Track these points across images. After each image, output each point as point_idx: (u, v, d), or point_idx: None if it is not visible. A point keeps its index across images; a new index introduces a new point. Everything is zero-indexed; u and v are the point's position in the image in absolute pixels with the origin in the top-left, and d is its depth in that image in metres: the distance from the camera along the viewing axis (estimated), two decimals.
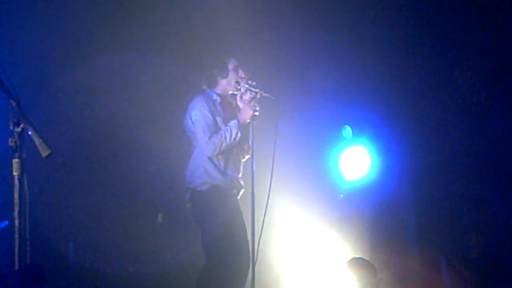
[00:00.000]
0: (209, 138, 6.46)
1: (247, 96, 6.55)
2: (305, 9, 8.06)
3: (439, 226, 8.13)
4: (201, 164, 6.59)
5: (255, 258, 6.37)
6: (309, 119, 8.37)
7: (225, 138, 6.44)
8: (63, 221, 7.80)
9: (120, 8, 7.86)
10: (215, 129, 6.51)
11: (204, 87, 6.80)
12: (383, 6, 8.04)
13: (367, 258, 7.48)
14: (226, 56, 6.77)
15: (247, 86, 6.54)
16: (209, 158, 6.53)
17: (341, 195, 8.60)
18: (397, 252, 8.28)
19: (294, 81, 8.27)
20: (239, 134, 6.47)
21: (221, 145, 6.45)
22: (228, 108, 6.75)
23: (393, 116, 8.30)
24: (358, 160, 8.39)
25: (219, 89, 6.75)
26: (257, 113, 6.51)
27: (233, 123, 6.51)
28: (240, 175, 6.74)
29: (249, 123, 6.53)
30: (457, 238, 8.05)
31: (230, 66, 6.67)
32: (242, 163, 6.77)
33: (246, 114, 6.50)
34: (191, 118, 6.61)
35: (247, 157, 6.76)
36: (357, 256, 7.26)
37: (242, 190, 6.74)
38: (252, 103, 6.51)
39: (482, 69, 7.88)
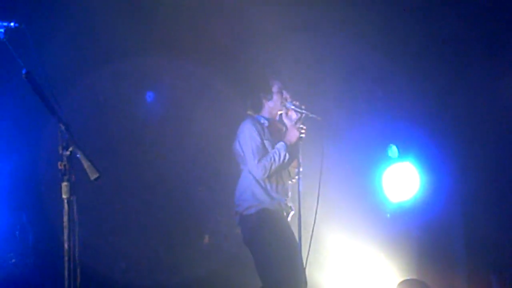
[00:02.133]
0: (259, 160, 6.42)
1: (293, 115, 6.53)
2: (349, 27, 8.04)
3: (488, 246, 8.02)
4: (248, 187, 6.55)
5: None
6: (355, 138, 8.31)
7: (274, 160, 6.40)
8: (111, 243, 7.83)
9: (165, 15, 7.88)
10: (263, 152, 6.48)
11: (249, 112, 6.79)
12: (430, 22, 7.98)
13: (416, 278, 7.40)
14: (270, 78, 6.77)
15: (293, 107, 6.51)
16: (256, 181, 6.49)
17: (388, 215, 8.53)
18: (446, 273, 8.19)
19: (338, 99, 8.24)
20: (287, 156, 6.43)
21: (270, 167, 6.40)
22: (275, 133, 6.69)
23: (440, 134, 8.22)
24: (404, 180, 8.33)
25: (265, 113, 6.72)
26: (303, 135, 6.48)
27: (280, 145, 6.46)
28: (289, 197, 6.69)
29: (295, 144, 6.51)
30: (507, 257, 7.93)
31: (275, 89, 6.64)
32: (289, 186, 6.73)
33: (292, 136, 6.47)
34: (239, 141, 6.60)
35: (295, 179, 6.69)
36: (409, 278, 7.05)
37: (292, 213, 6.69)
38: (298, 124, 6.48)
39: None
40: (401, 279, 7.43)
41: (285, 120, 6.59)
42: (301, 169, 6.52)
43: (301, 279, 6.40)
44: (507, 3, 7.79)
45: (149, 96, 8.40)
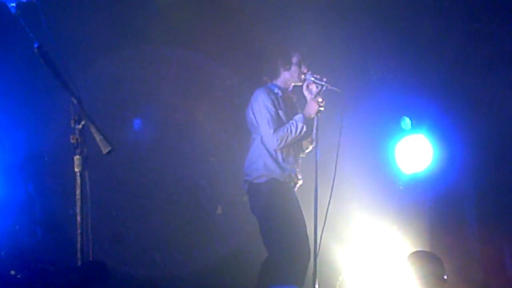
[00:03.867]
0: (274, 130, 6.44)
1: (314, 88, 6.52)
2: (364, 4, 8.00)
3: (501, 218, 8.00)
4: (259, 157, 6.59)
5: (318, 250, 6.37)
6: (368, 110, 8.28)
7: (291, 131, 6.44)
8: (123, 215, 7.84)
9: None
10: (278, 122, 6.50)
11: (265, 78, 6.80)
12: None
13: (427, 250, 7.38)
14: (291, 49, 6.73)
15: (313, 78, 6.51)
16: (268, 151, 6.53)
17: (401, 187, 8.51)
18: (458, 245, 8.18)
19: (352, 72, 8.20)
20: (304, 128, 6.47)
21: (286, 139, 6.45)
22: (288, 102, 6.73)
23: (454, 106, 8.18)
24: (418, 152, 8.29)
25: (280, 82, 6.74)
26: (322, 109, 6.48)
27: (298, 117, 6.50)
28: (298, 169, 6.71)
29: (313, 117, 6.51)
30: None
31: (294, 60, 6.66)
32: (300, 157, 6.74)
33: (312, 109, 6.50)
34: (253, 110, 6.61)
35: (310, 147, 6.73)
36: (421, 249, 7.00)
37: (300, 182, 6.72)
38: (317, 97, 6.47)
39: None
40: (412, 250, 7.41)
41: (305, 93, 6.61)
42: (312, 145, 6.59)
43: (305, 254, 6.50)
44: None
45: (136, 124, 8.33)
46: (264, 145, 6.56)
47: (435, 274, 6.20)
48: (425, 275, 6.19)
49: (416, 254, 6.52)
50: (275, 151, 6.53)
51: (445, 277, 6.19)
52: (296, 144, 6.67)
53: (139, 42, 7.80)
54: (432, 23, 8.09)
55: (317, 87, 6.51)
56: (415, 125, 8.34)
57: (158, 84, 8.03)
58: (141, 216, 7.95)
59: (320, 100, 6.48)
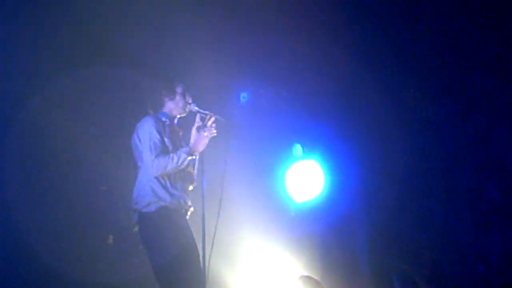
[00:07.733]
0: (156, 156, 6.33)
1: (197, 118, 6.46)
2: (253, 27, 8.00)
3: (391, 246, 8.10)
4: (147, 183, 6.43)
5: (206, 279, 6.26)
6: (259, 137, 8.29)
7: (172, 160, 6.32)
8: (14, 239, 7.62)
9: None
10: (162, 149, 6.38)
11: (150, 111, 6.70)
12: (331, 22, 8.01)
13: (318, 278, 7.42)
14: (175, 79, 6.68)
15: (196, 108, 6.47)
16: (156, 177, 6.40)
17: (292, 213, 8.53)
18: (349, 273, 8.24)
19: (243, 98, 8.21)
20: (186, 162, 6.37)
21: (166, 167, 6.31)
22: (175, 132, 6.65)
23: (345, 133, 8.26)
24: (309, 178, 8.33)
25: (166, 111, 6.66)
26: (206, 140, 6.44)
27: (185, 149, 6.39)
28: (188, 195, 6.62)
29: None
30: (409, 257, 8.02)
31: (179, 90, 6.60)
32: (189, 185, 6.66)
33: (199, 142, 6.42)
34: (138, 137, 6.49)
35: (192, 188, 6.66)
36: (305, 275, 7.11)
37: (191, 210, 6.63)
38: (205, 130, 6.41)
39: (429, 87, 7.93)
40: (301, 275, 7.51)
41: (193, 131, 6.51)
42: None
43: (200, 282, 6.32)
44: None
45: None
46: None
47: None
48: None
49: (300, 279, 6.75)
50: (162, 177, 6.42)
51: None
52: (184, 172, 6.58)
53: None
54: (322, 47, 8.15)
55: (201, 117, 6.47)
56: (307, 152, 8.39)
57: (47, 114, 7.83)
58: (30, 244, 7.71)
59: (205, 133, 6.44)
